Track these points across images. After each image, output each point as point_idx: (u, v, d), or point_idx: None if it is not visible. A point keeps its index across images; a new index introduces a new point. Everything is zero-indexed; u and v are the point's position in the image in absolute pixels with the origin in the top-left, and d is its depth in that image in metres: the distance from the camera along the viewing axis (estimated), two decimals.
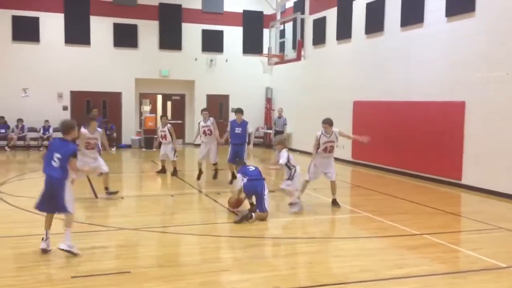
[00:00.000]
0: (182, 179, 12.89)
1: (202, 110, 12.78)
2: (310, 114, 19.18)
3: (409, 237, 7.46)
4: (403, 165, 13.94)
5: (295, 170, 9.16)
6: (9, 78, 19.34)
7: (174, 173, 13.23)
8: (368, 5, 15.61)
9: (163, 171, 13.57)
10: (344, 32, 16.93)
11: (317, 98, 18.65)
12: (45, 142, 19.09)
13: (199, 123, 12.51)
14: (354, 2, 16.39)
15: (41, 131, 19.36)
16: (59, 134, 18.49)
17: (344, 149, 16.76)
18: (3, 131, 19.02)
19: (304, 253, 6.60)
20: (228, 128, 12.22)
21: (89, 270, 5.74)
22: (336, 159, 16.89)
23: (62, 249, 6.07)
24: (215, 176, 12.45)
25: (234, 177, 11.45)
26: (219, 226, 8.27)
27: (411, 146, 13.55)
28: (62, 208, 6.19)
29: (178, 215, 8.91)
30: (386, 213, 8.98)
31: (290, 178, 9.14)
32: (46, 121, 19.30)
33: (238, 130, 11.96)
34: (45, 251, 6.18)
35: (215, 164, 12.43)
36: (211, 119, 12.44)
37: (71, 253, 6.08)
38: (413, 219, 8.57)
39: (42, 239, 6.26)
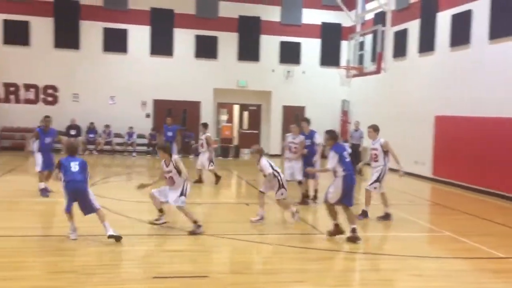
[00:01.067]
0: (257, 188, 13.00)
1: (296, 123, 11.65)
2: (387, 129, 18.66)
3: (494, 260, 7.06)
4: (487, 184, 13.20)
5: (281, 177, 8.67)
6: (99, 87, 20.60)
7: (217, 181, 12.95)
8: (453, 16, 15.06)
9: (199, 181, 13.07)
10: (427, 45, 16.41)
11: (396, 112, 18.18)
12: (129, 148, 20.08)
13: (287, 136, 11.37)
14: (438, 14, 15.87)
15: (126, 137, 20.38)
16: (143, 141, 19.27)
17: (424, 166, 16.21)
18: (92, 136, 20.25)
19: (380, 270, 6.44)
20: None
21: (169, 272, 5.97)
22: (416, 176, 16.47)
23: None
24: (315, 197, 11.19)
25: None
26: (293, 237, 8.26)
27: (497, 164, 12.81)
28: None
29: (254, 223, 8.99)
30: (469, 234, 8.54)
31: (281, 186, 8.64)
32: (130, 127, 20.30)
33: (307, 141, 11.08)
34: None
35: (300, 183, 11.02)
36: (301, 136, 11.01)
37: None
38: (498, 242, 8.09)
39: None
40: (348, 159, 7.70)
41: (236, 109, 24.61)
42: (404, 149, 17.47)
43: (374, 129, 9.86)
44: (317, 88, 22.33)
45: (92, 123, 20.32)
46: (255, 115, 23.39)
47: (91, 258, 6.38)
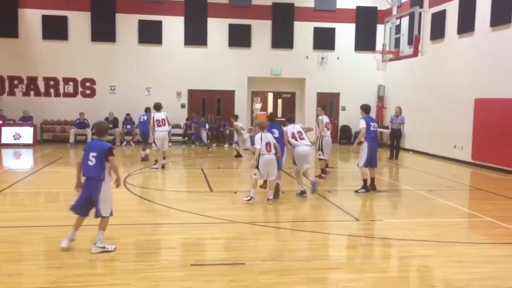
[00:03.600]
0: (292, 176, 13.01)
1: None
2: (425, 113, 18.36)
3: None
4: None
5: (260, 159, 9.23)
6: (135, 78, 20.95)
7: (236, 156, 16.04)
8: None
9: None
10: (466, 26, 15.91)
11: (434, 96, 17.77)
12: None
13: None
14: None
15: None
16: (178, 131, 19.71)
17: (463, 150, 15.82)
18: (129, 127, 20.64)
19: (418, 256, 6.33)
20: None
21: (207, 259, 6.08)
22: (454, 160, 16.10)
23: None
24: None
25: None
26: (330, 224, 8.25)
27: None
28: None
29: (290, 211, 9.02)
30: (511, 219, 8.31)
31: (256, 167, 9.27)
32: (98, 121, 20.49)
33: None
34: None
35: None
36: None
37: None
38: None
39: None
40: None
41: (270, 97, 24.57)
42: (442, 134, 17.17)
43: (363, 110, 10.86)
44: (352, 74, 22.02)
45: (128, 114, 20.70)
46: (289, 102, 23.29)
47: (130, 247, 6.54)
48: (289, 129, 10.10)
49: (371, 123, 10.46)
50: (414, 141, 19.36)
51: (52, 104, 20.62)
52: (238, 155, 16.53)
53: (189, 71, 21.25)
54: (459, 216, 8.82)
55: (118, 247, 6.54)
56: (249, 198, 9.31)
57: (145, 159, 15.17)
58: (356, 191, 10.47)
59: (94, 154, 6.18)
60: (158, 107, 14.06)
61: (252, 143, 10.39)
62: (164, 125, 13.61)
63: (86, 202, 6.27)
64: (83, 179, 6.38)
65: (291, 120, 10.48)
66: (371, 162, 10.50)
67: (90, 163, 6.19)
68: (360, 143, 10.49)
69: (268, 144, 9.15)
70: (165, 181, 12.58)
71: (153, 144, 13.73)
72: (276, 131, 9.92)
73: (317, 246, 6.82)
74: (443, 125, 17.12)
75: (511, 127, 13.48)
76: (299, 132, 10.12)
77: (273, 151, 9.22)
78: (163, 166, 13.71)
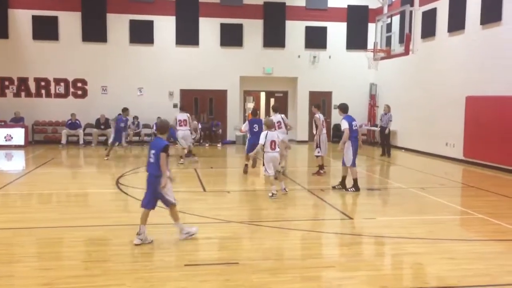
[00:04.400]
0: (286, 175, 13.03)
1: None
2: (417, 111, 18.46)
3: None
4: None
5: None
6: (126, 79, 20.88)
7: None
8: None
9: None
10: (456, 24, 16.00)
11: (425, 93, 17.87)
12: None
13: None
14: None
15: (154, 127, 20.60)
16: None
17: (454, 147, 15.93)
18: (122, 126, 20.51)
19: (411, 254, 6.37)
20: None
21: (200, 259, 6.08)
22: (446, 158, 16.20)
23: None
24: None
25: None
26: (323, 222, 8.28)
27: None
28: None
29: (283, 210, 9.03)
30: (503, 215, 8.38)
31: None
32: (159, 117, 20.49)
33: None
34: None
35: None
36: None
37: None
38: None
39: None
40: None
41: (262, 96, 24.59)
42: (434, 131, 17.27)
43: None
44: (344, 73, 22.10)
45: (120, 115, 20.55)
46: (282, 101, 23.29)
47: (124, 247, 6.51)
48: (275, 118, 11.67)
49: (352, 123, 10.49)
50: (406, 139, 19.45)
51: (44, 105, 20.50)
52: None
53: (181, 71, 21.21)
54: (451, 213, 8.87)
55: (111, 249, 6.53)
56: (271, 194, 9.72)
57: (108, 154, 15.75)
58: (347, 189, 10.52)
59: (153, 151, 6.50)
60: (182, 108, 15.95)
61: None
62: (186, 125, 14.85)
63: (153, 197, 6.62)
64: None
65: (276, 110, 12.31)
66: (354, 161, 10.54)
67: (151, 160, 6.54)
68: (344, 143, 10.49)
69: (273, 142, 9.65)
70: None
71: (178, 143, 15.02)
72: (256, 126, 11.98)
73: (310, 244, 6.84)
74: (435, 123, 17.21)
75: (502, 124, 13.58)
76: (278, 122, 11.83)
77: (277, 149, 9.72)
78: (195, 160, 15.18)
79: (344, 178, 10.66)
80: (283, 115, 12.63)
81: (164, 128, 6.80)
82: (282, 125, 12.23)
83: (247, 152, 12.48)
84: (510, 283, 5.34)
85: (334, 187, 10.75)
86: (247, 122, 12.51)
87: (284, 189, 10.09)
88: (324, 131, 12.82)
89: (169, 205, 6.69)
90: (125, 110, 16.54)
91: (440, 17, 17.05)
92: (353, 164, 10.47)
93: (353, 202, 9.83)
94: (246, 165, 13.05)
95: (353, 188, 10.45)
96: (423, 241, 6.92)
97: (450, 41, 16.47)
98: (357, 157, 10.68)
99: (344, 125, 10.38)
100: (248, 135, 12.72)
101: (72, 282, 5.18)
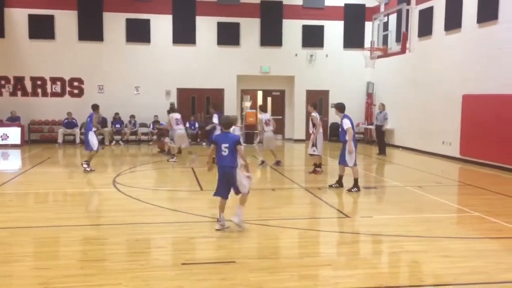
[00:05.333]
0: (282, 173, 13.04)
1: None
2: (413, 109, 18.47)
3: None
4: None
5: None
6: (123, 77, 20.84)
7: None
8: None
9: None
10: (453, 22, 16.02)
11: (422, 92, 17.89)
12: (154, 137, 20.28)
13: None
14: None
15: (151, 126, 20.59)
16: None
17: (451, 146, 15.95)
18: (118, 126, 20.53)
19: (408, 252, 6.37)
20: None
21: (197, 258, 6.06)
22: (443, 156, 16.22)
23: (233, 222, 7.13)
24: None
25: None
26: (320, 221, 8.28)
27: None
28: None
29: (280, 209, 9.02)
30: (500, 213, 8.39)
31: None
32: (156, 116, 20.48)
33: None
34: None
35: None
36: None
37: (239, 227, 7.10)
38: None
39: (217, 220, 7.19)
40: None
41: (259, 95, 24.55)
42: (431, 130, 17.29)
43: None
44: (341, 71, 22.10)
45: (117, 114, 20.59)
46: (279, 100, 23.31)
47: (120, 247, 6.50)
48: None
49: (352, 121, 10.44)
50: (403, 138, 19.47)
51: (40, 104, 20.44)
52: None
53: (178, 70, 21.18)
54: (448, 211, 8.88)
55: (106, 248, 6.50)
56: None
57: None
58: (349, 190, 10.31)
59: (226, 145, 6.98)
60: (172, 108, 15.88)
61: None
62: (183, 125, 15.18)
63: (225, 187, 7.10)
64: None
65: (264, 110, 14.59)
66: (344, 160, 10.38)
67: (224, 154, 6.99)
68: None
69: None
70: (155, 180, 12.53)
71: (171, 142, 15.13)
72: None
73: (307, 243, 6.83)
74: (432, 121, 17.23)
75: (498, 122, 13.60)
76: (268, 120, 14.10)
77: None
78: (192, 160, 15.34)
79: (341, 177, 10.62)
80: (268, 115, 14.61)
81: (230, 124, 7.48)
82: (271, 123, 14.13)
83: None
84: (506, 280, 5.34)
85: (331, 186, 10.73)
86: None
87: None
88: (321, 130, 12.75)
89: (242, 192, 7.13)
90: (94, 107, 13.53)
91: (436, 15, 17.07)
92: (355, 164, 10.36)
93: (350, 200, 9.84)
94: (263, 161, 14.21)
95: (356, 188, 10.33)
96: (420, 239, 6.92)
97: (447, 39, 16.49)
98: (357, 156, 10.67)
99: (348, 124, 10.18)
100: (266, 128, 14.06)
101: (68, 282, 5.16)
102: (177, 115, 15.03)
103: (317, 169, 12.75)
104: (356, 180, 10.38)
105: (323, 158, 13.56)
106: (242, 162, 7.14)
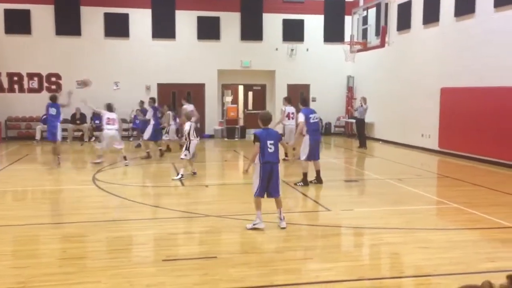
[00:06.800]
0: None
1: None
2: (393, 103, 18.65)
3: (503, 229, 7.06)
4: (496, 155, 13.15)
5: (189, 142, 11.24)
6: (102, 73, 20.54)
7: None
8: None
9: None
10: (431, 16, 16.18)
11: (402, 85, 18.05)
12: (135, 133, 20.08)
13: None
14: None
15: (132, 121, 20.37)
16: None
17: (430, 138, 16.15)
18: (97, 122, 20.25)
19: (388, 244, 6.44)
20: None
21: (178, 254, 6.03)
22: (422, 148, 16.42)
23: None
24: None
25: None
26: (301, 215, 8.31)
27: (504, 134, 12.74)
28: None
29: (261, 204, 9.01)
30: (478, 204, 8.54)
31: (187, 148, 11.20)
32: (138, 110, 20.21)
33: None
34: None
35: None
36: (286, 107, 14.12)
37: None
38: (508, 211, 8.09)
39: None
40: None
41: (240, 89, 24.50)
42: (410, 123, 17.48)
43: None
44: (322, 65, 22.16)
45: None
46: (260, 95, 23.30)
47: (100, 244, 6.44)
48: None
49: (310, 115, 10.25)
50: (383, 131, 19.65)
51: (17, 100, 20.08)
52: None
53: (158, 65, 20.99)
54: (427, 203, 9.00)
55: (86, 245, 6.43)
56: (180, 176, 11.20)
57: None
58: (296, 184, 10.32)
59: (272, 141, 6.85)
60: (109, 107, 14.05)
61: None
62: (115, 123, 13.63)
63: (267, 184, 6.91)
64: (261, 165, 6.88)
65: (290, 101, 14.32)
66: (314, 155, 10.32)
67: (270, 150, 6.83)
68: (301, 136, 10.42)
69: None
70: (136, 177, 12.43)
71: (99, 143, 14.20)
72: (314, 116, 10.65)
73: (289, 237, 6.84)
74: (411, 114, 17.42)
75: (476, 115, 13.81)
76: (292, 113, 13.82)
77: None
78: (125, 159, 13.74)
79: (318, 172, 10.51)
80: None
81: (269, 120, 7.17)
82: (295, 116, 13.59)
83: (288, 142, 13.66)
84: (485, 270, 5.44)
85: (311, 182, 10.67)
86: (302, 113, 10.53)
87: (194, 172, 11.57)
88: (292, 122, 13.56)
89: (279, 195, 7.12)
90: (52, 97, 13.66)
91: (415, 9, 17.22)
92: (307, 158, 10.23)
93: (331, 194, 9.89)
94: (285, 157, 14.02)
95: (301, 183, 10.26)
96: (400, 231, 7.00)
97: (425, 33, 16.65)
98: (320, 150, 10.72)
99: (300, 118, 10.25)
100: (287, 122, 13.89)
101: (47, 280, 5.09)
102: (110, 115, 13.67)
103: (286, 158, 13.68)
104: (304, 175, 10.27)
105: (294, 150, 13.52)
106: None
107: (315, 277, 5.24)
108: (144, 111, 16.34)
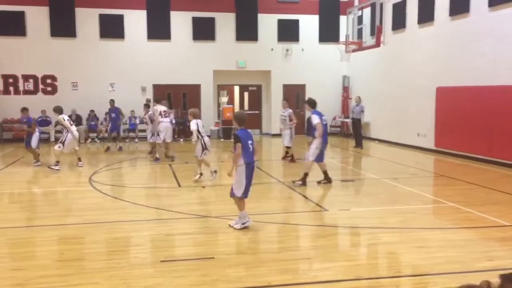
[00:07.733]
0: (260, 168, 13.06)
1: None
2: (389, 102, 18.69)
3: (500, 228, 7.09)
4: (491, 154, 13.21)
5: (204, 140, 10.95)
6: (97, 74, 20.53)
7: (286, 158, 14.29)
8: None
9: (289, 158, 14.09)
10: (426, 15, 16.24)
11: (397, 85, 18.10)
12: (131, 134, 20.06)
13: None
14: None
15: (127, 123, 20.36)
16: (143, 126, 19.11)
17: (426, 137, 16.20)
18: (93, 123, 20.24)
19: (385, 243, 6.46)
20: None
21: (176, 255, 6.03)
22: (418, 148, 16.46)
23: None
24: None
25: None
26: (298, 215, 8.32)
27: (500, 133, 12.80)
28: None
29: (257, 203, 9.03)
30: (474, 203, 8.57)
31: (204, 148, 10.93)
32: (132, 111, 20.24)
33: None
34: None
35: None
36: (289, 110, 14.48)
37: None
38: (504, 210, 8.13)
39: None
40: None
41: (236, 90, 24.52)
42: (406, 122, 17.52)
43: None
44: (317, 65, 22.20)
45: (92, 111, 20.31)
46: (256, 95, 23.32)
47: (97, 245, 6.43)
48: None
49: (322, 117, 10.28)
50: (379, 131, 19.70)
51: (12, 102, 19.95)
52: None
53: (154, 66, 20.97)
54: (423, 202, 9.03)
55: (84, 247, 6.43)
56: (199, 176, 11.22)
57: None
58: (293, 182, 10.42)
59: (251, 141, 6.97)
60: (157, 100, 15.52)
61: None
62: (168, 116, 14.35)
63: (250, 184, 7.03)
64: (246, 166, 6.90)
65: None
66: (321, 157, 10.40)
67: (250, 150, 6.91)
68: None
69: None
70: (133, 178, 12.42)
71: (60, 145, 13.24)
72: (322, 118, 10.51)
73: (286, 237, 6.86)
74: (407, 114, 17.47)
75: (471, 114, 13.87)
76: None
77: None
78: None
79: (325, 172, 10.54)
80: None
81: (245, 120, 7.17)
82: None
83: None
84: (481, 269, 5.46)
85: (319, 183, 10.53)
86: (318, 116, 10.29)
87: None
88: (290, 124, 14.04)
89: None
90: (23, 110, 14.63)
91: (410, 9, 17.27)
92: (316, 160, 10.30)
93: (328, 194, 9.92)
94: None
95: (300, 182, 10.29)
96: (397, 230, 7.03)
97: (420, 32, 16.70)
98: (324, 153, 10.67)
99: (316, 120, 10.11)
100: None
101: (44, 282, 5.08)
102: (161, 107, 14.31)
103: (286, 159, 14.02)
104: (305, 175, 10.30)
105: (301, 152, 13.64)
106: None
107: (312, 277, 5.25)
108: (150, 116, 15.43)
